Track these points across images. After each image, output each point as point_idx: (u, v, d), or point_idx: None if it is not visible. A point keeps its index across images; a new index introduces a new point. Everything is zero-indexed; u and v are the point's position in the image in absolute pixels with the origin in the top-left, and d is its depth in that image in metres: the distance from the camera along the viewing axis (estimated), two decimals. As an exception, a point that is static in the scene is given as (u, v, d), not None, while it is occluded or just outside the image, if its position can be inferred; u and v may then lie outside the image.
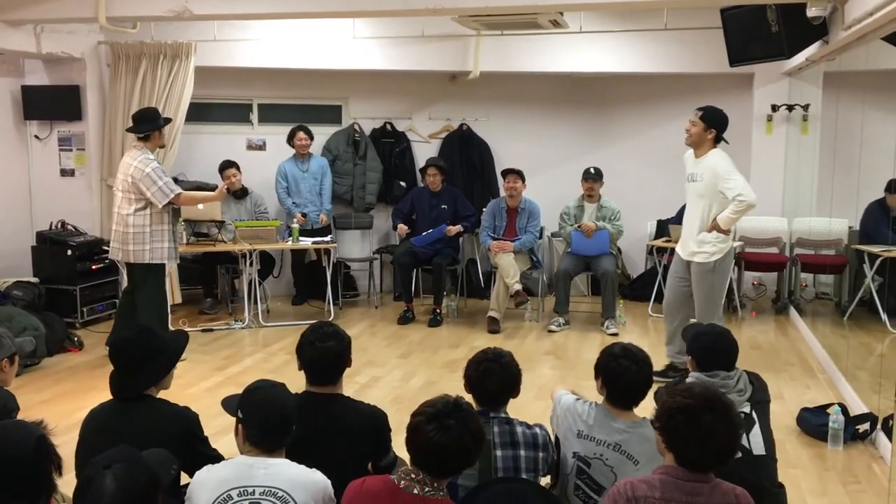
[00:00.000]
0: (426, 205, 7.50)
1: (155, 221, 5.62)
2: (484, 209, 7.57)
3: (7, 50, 6.52)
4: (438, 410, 2.28)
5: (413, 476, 2.29)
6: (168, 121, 6.01)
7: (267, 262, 7.51)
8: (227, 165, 7.43)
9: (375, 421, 2.92)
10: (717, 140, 5.09)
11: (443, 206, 7.46)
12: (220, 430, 4.33)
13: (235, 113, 8.47)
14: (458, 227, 7.34)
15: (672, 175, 7.89)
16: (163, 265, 5.76)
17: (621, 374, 2.79)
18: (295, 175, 7.70)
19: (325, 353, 2.89)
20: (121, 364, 2.94)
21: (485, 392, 2.80)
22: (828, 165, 7.10)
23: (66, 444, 2.40)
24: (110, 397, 2.98)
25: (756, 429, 2.94)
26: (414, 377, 5.66)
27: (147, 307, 5.69)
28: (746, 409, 2.97)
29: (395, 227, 7.58)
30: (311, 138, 7.79)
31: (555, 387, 3.23)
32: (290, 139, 7.72)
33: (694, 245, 5.20)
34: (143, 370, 2.92)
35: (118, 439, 2.28)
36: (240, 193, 7.47)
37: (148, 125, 5.66)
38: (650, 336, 6.82)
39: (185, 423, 2.86)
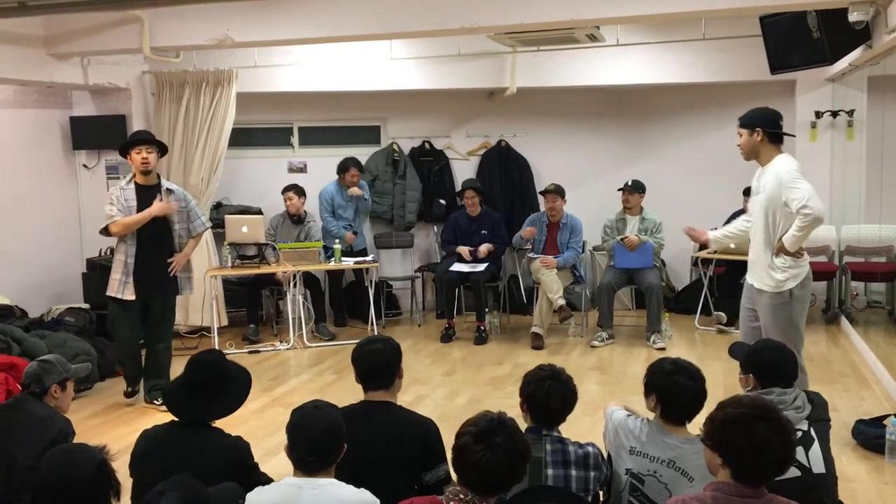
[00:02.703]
0: (466, 230, 7.51)
1: (118, 250, 5.39)
2: (526, 220, 7.54)
3: (56, 83, 6.71)
4: (483, 429, 2.26)
5: (462, 497, 2.27)
6: (132, 140, 5.41)
7: (313, 284, 7.57)
8: (286, 189, 7.48)
9: (425, 429, 2.97)
10: (776, 140, 4.28)
11: (483, 232, 7.46)
12: (268, 451, 4.38)
13: (276, 137, 8.60)
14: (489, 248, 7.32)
15: (715, 185, 7.85)
16: (121, 302, 5.35)
17: (678, 392, 2.76)
18: (339, 202, 7.76)
19: (371, 355, 3.03)
20: (200, 384, 2.97)
21: (549, 411, 2.78)
22: (875, 171, 6.97)
23: (120, 467, 2.44)
24: (161, 421, 3.03)
25: (815, 446, 2.86)
26: (459, 395, 5.65)
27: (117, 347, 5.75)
28: (804, 427, 2.90)
29: (449, 254, 7.50)
30: (363, 172, 7.83)
31: (607, 402, 3.20)
32: (342, 172, 7.67)
33: (761, 270, 4.33)
34: (221, 397, 2.98)
35: (171, 464, 2.32)
36: (296, 218, 7.51)
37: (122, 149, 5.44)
38: (697, 349, 6.73)
39: (238, 454, 2.92)
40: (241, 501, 2.32)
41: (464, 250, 7.36)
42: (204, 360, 3.10)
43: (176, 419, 3.01)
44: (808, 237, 4.10)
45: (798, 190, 4.04)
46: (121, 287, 5.32)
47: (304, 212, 7.58)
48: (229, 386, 3.05)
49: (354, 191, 7.66)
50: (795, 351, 3.91)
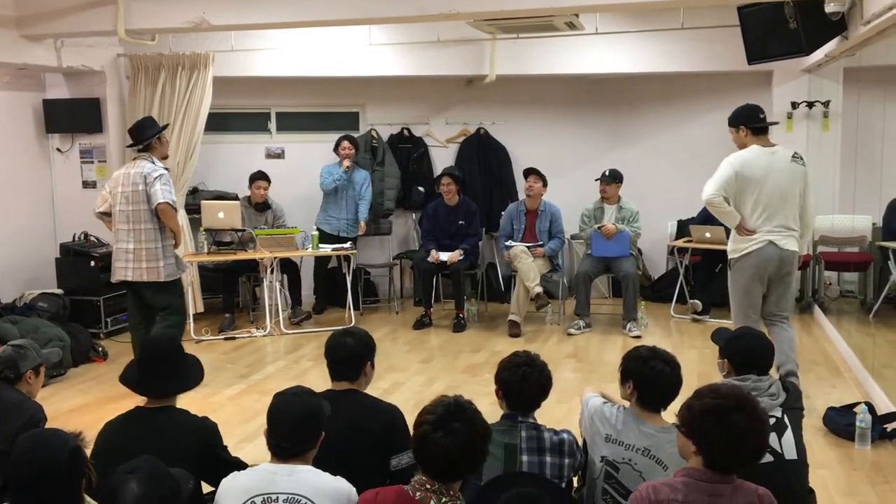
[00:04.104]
0: (444, 221, 7.48)
1: (166, 235, 5.34)
2: (502, 213, 7.56)
3: (29, 64, 6.60)
4: (440, 416, 2.25)
5: (428, 486, 2.25)
6: (165, 127, 5.71)
7: (291, 270, 7.54)
8: (256, 177, 7.45)
9: (390, 415, 2.99)
10: (760, 131, 4.88)
11: (460, 223, 7.44)
12: (243, 437, 4.37)
13: (254, 122, 8.53)
14: (458, 254, 7.26)
15: (692, 175, 7.85)
16: (179, 282, 5.53)
17: (656, 378, 2.77)
18: (337, 177, 7.73)
19: (340, 347, 3.05)
20: (153, 363, 2.98)
21: (523, 397, 2.79)
22: (850, 162, 7.04)
23: (89, 452, 2.42)
24: (135, 406, 3.01)
25: (788, 433, 2.90)
26: (436, 382, 5.66)
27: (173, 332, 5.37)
28: (778, 414, 2.93)
29: (428, 251, 7.36)
30: (356, 148, 7.81)
31: (583, 389, 3.21)
32: (336, 148, 7.76)
33: None
34: (174, 376, 2.99)
35: (138, 448, 2.31)
36: (262, 207, 7.50)
37: (148, 132, 5.36)
38: (672, 337, 6.78)
39: (205, 434, 2.90)
40: (190, 483, 2.31)
41: (435, 256, 7.26)
42: (156, 339, 3.21)
43: (139, 406, 2.99)
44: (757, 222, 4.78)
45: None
46: (181, 266, 5.51)
47: (267, 196, 7.53)
48: (183, 363, 3.07)
49: (346, 162, 7.63)
50: (737, 321, 4.87)
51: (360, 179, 7.84)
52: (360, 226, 7.83)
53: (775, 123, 5.06)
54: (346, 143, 7.73)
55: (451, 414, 2.25)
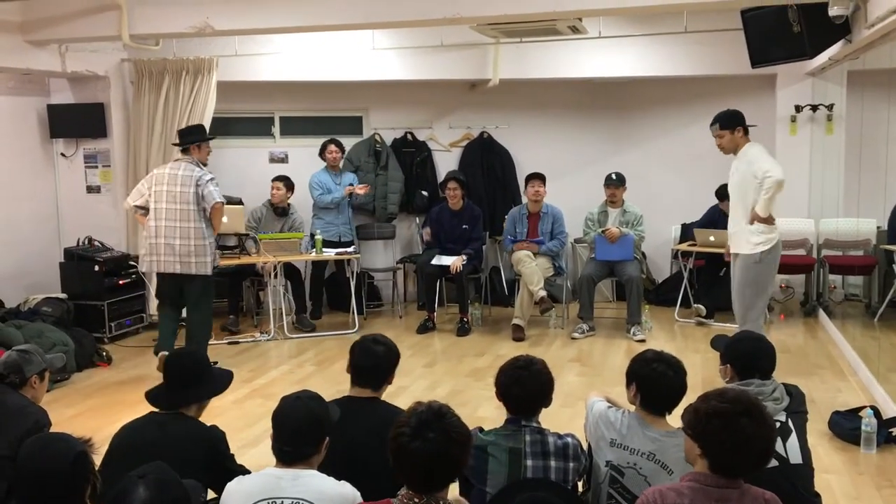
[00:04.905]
0: (447, 225, 7.47)
1: (209, 234, 5.78)
2: (506, 216, 7.55)
3: (33, 70, 6.62)
4: (415, 428, 2.16)
5: (416, 500, 2.17)
6: (212, 137, 6.13)
7: (294, 277, 7.53)
8: (277, 178, 7.49)
9: None
10: (747, 132, 5.20)
11: (464, 227, 7.43)
12: (246, 442, 4.37)
13: (258, 126, 8.54)
14: (462, 261, 7.19)
15: (696, 178, 7.89)
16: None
17: (657, 380, 2.76)
18: (329, 186, 7.72)
19: (370, 354, 3.04)
20: (178, 375, 3.03)
21: (521, 401, 2.79)
22: (854, 165, 7.03)
23: (98, 458, 2.42)
24: (140, 411, 3.02)
25: (793, 437, 2.89)
26: (440, 386, 5.65)
27: (205, 323, 5.93)
28: (782, 418, 2.92)
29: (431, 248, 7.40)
30: (343, 151, 7.82)
31: (588, 393, 3.20)
32: (322, 152, 7.75)
33: (739, 237, 5.24)
34: (198, 385, 3.04)
35: (148, 455, 2.31)
36: (280, 210, 7.50)
37: (189, 138, 5.83)
38: (677, 341, 6.77)
39: (212, 441, 2.92)
40: (202, 496, 2.31)
41: (428, 234, 7.30)
42: (188, 351, 3.32)
43: (153, 410, 3.01)
44: (789, 228, 4.89)
45: (762, 162, 5.05)
46: (217, 258, 5.97)
47: (289, 204, 7.54)
48: (201, 379, 3.09)
49: (349, 188, 7.64)
50: (750, 307, 5.17)
51: (349, 181, 7.81)
52: (363, 188, 7.69)
53: (754, 126, 5.39)
54: (332, 147, 7.71)
55: (424, 423, 2.17)
